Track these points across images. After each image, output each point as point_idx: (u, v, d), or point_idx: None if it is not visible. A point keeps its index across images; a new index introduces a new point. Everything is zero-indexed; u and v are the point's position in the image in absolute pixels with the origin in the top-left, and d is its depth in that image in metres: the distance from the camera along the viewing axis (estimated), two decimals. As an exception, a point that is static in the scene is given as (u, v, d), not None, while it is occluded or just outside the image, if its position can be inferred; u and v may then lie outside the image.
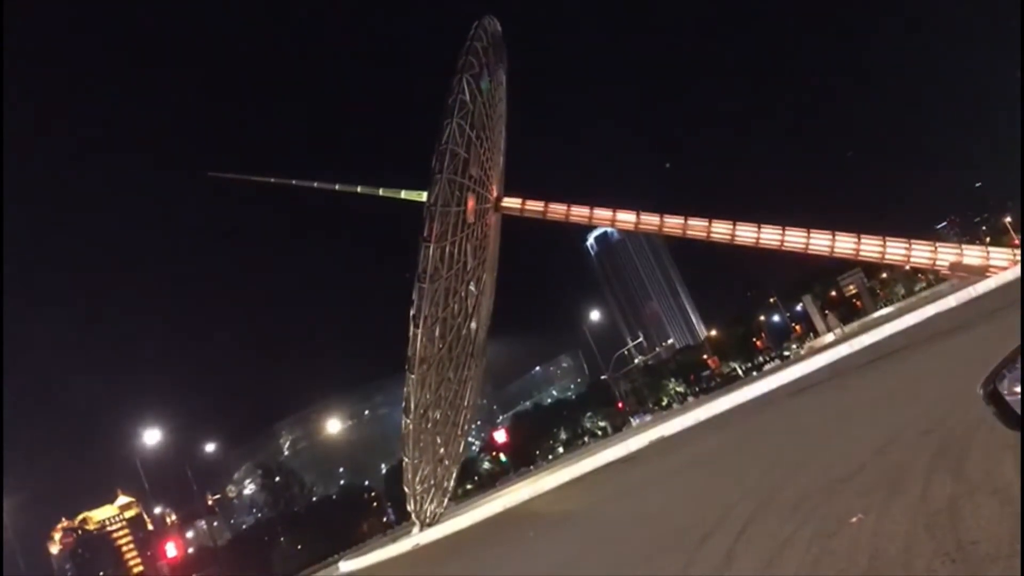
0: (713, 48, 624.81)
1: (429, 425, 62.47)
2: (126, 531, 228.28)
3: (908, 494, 11.38)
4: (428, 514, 63.42)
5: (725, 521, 14.72)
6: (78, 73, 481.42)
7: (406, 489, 62.22)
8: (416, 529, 62.53)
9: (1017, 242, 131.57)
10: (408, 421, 58.58)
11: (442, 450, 66.33)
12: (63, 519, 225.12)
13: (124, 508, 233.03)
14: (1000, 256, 67.06)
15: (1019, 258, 65.16)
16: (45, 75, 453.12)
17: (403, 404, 59.00)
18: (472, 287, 65.41)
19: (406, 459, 61.26)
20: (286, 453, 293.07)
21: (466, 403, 69.31)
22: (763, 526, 13.23)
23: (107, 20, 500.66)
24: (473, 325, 66.45)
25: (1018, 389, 3.80)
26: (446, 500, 70.22)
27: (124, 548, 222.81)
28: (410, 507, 63.40)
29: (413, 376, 56.66)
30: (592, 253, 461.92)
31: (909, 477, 12.32)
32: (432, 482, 64.46)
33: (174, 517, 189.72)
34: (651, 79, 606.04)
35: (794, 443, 23.75)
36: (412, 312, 55.62)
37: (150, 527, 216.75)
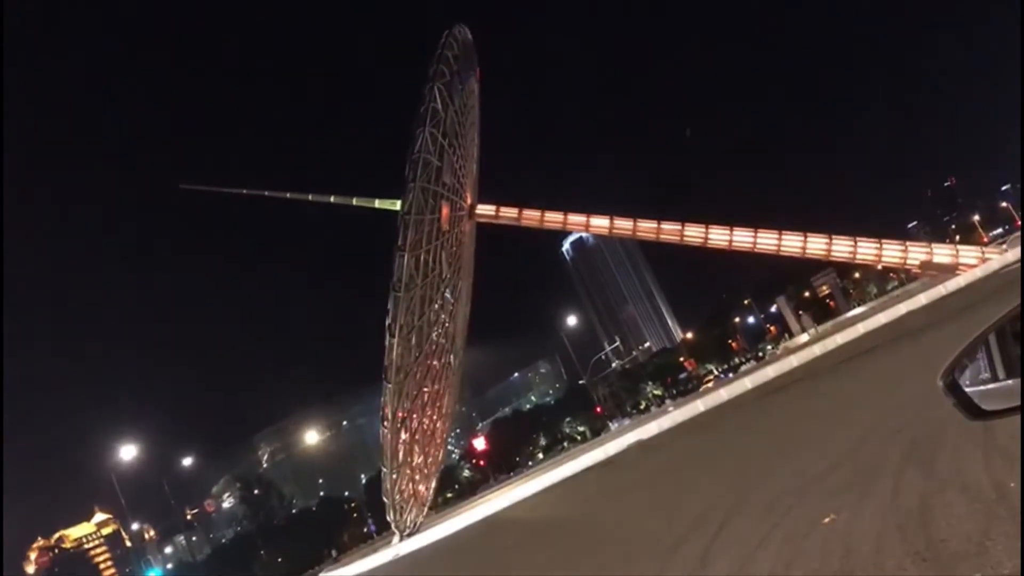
0: (689, 51, 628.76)
1: (407, 435, 62.28)
2: (104, 548, 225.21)
3: (880, 493, 11.51)
4: (408, 523, 63.15)
5: (701, 523, 14.81)
6: (49, 81, 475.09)
7: (386, 499, 61.93)
8: (397, 539, 62.23)
9: (986, 240, 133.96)
10: (386, 431, 58.41)
11: (421, 459, 66.10)
12: (39, 537, 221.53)
13: (101, 525, 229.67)
14: (969, 254, 68.06)
15: (987, 256, 66.30)
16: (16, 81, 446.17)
17: (381, 414, 58.82)
18: (448, 295, 65.34)
19: (385, 469, 61.02)
20: (265, 465, 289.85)
21: (444, 411, 69.14)
22: (738, 528, 13.33)
23: (83, 29, 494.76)
24: (449, 331, 66.37)
25: (983, 377, 3.87)
26: (426, 509, 69.94)
27: (102, 566, 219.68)
28: (390, 517, 63.10)
29: (390, 385, 56.54)
30: (568, 258, 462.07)
31: (881, 476, 12.46)
32: (412, 491, 64.18)
33: (152, 533, 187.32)
34: (625, 81, 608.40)
35: (768, 444, 23.93)
36: (388, 322, 55.50)
37: (128, 544, 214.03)
